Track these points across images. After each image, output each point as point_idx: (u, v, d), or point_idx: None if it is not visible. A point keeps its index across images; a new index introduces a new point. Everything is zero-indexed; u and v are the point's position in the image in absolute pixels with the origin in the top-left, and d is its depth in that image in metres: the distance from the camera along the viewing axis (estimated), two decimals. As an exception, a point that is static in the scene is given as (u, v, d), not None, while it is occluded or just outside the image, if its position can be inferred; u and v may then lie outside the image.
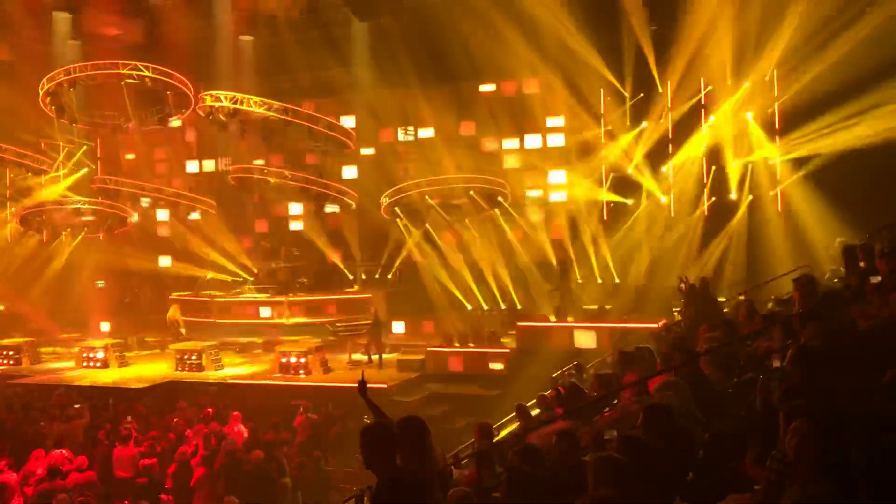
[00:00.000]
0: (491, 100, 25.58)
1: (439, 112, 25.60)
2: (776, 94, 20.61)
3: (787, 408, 4.08)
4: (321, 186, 24.34)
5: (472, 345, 18.85)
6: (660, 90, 22.01)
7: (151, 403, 16.51)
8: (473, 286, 22.72)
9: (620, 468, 4.21)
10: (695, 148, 21.75)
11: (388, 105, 25.64)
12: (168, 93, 22.75)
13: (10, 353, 21.85)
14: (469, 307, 22.71)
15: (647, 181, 22.27)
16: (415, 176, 24.82)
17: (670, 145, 22.27)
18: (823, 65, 17.89)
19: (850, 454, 3.55)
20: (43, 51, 25.51)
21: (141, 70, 21.86)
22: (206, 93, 22.36)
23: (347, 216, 26.30)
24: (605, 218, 23.11)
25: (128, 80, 22.08)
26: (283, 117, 22.33)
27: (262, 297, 24.74)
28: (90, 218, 26.04)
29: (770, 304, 11.27)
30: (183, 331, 23.46)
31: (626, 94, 22.46)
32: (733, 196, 21.29)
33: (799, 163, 19.92)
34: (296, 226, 28.43)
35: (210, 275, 27.43)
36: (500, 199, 23.48)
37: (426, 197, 23.88)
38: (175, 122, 25.88)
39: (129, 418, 14.08)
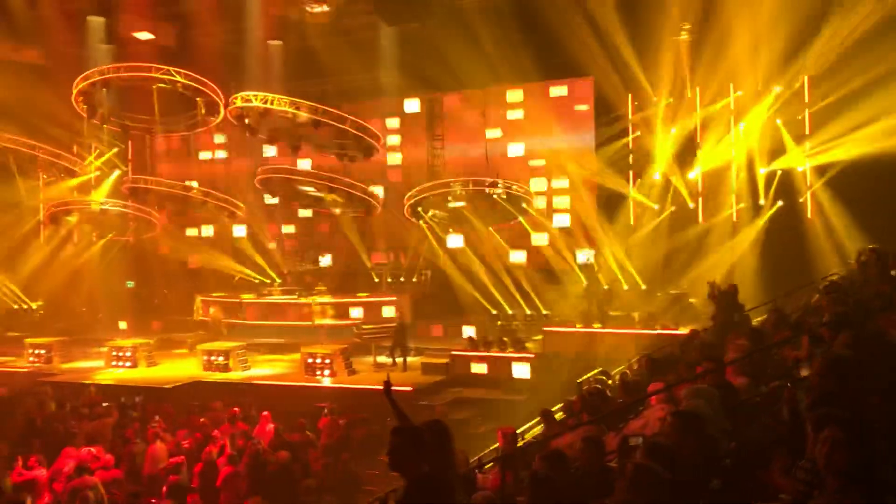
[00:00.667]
0: (519, 103, 25.59)
1: (464, 116, 25.81)
2: (807, 101, 20.43)
3: (816, 416, 4.04)
4: (347, 186, 24.40)
5: (496, 349, 18.84)
6: (689, 94, 21.90)
7: (179, 403, 16.68)
8: (495, 292, 22.69)
9: (649, 475, 4.20)
10: (724, 153, 21.58)
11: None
12: (199, 100, 22.97)
13: (41, 351, 22.16)
14: (494, 312, 22.70)
15: (677, 182, 22.14)
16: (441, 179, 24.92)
17: (698, 150, 22.13)
18: (854, 71, 17.74)
19: (878, 465, 3.51)
20: (77, 54, 25.92)
21: (173, 76, 22.11)
22: (236, 94, 22.54)
23: (374, 219, 26.39)
24: (631, 223, 22.98)
25: (159, 85, 22.32)
26: (312, 117, 22.29)
27: (289, 298, 24.92)
28: (117, 220, 26.43)
29: (799, 312, 11.16)
30: (224, 331, 23.70)
31: (655, 99, 22.37)
32: (762, 202, 21.11)
33: (828, 169, 19.72)
34: (323, 228, 28.62)
35: (238, 277, 27.82)
36: (524, 205, 23.46)
37: (448, 200, 23.94)
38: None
39: (156, 417, 14.27)
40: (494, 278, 22.91)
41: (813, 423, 3.98)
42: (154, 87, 22.41)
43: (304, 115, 22.24)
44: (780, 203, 20.87)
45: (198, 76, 22.60)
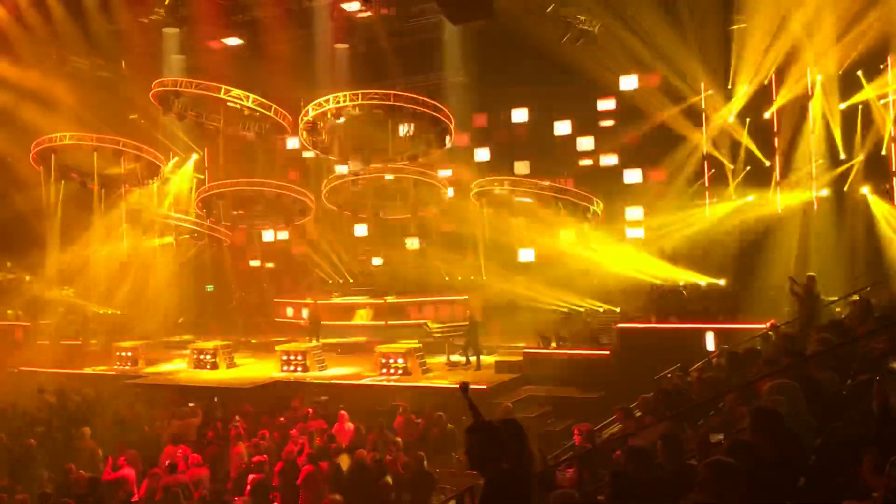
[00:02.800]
0: (587, 100, 25.32)
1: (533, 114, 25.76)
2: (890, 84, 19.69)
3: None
4: (417, 174, 24.49)
5: (570, 346, 18.68)
6: (765, 82, 21.39)
7: (259, 403, 17.06)
8: (569, 289, 22.48)
9: (732, 473, 4.12)
10: (805, 142, 20.98)
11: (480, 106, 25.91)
12: (266, 123, 23.46)
13: (127, 354, 22.99)
14: (566, 309, 22.47)
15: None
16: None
17: (776, 138, 21.56)
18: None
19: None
20: (152, 66, 26.82)
21: (242, 100, 22.57)
22: (307, 106, 22.80)
23: (442, 218, 26.44)
24: (707, 215, 22.54)
25: (229, 104, 22.86)
26: (386, 103, 22.19)
27: (361, 299, 25.23)
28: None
29: (885, 304, 10.76)
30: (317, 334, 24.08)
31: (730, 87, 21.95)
32: (846, 188, 20.46)
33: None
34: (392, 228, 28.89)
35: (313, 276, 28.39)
36: (588, 215, 23.22)
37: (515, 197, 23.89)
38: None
39: (237, 417, 14.65)
40: (568, 275, 22.66)
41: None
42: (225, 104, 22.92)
43: (378, 103, 22.21)
44: (866, 189, 20.13)
45: (265, 101, 22.88)
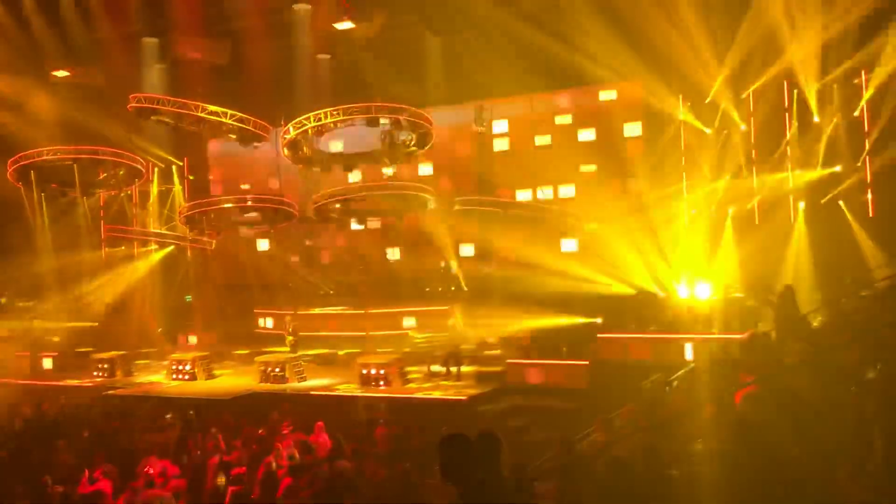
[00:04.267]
0: (567, 109, 25.47)
1: (515, 123, 25.83)
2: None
3: (885, 422, 3.95)
4: (399, 188, 24.47)
5: (551, 357, 18.70)
6: (742, 97, 21.57)
7: (237, 414, 16.92)
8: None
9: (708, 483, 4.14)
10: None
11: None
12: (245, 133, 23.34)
13: (105, 365, 22.79)
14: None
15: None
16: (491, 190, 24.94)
17: (753, 151, 21.77)
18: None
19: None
20: (132, 75, 26.71)
21: (219, 116, 22.45)
22: (288, 125, 22.68)
23: (425, 220, 26.35)
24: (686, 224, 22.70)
25: (207, 119, 22.71)
26: (367, 116, 22.24)
27: (342, 309, 25.14)
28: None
29: (860, 314, 10.85)
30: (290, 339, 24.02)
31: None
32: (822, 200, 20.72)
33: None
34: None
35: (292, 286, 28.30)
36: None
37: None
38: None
39: (213, 430, 14.50)
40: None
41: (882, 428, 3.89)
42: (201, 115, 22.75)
43: (359, 116, 22.26)
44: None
45: (243, 115, 22.85)
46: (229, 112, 22.75)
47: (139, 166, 26.37)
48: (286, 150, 23.72)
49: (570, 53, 21.03)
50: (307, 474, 11.33)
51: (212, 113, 22.52)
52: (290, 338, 23.85)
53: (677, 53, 20.24)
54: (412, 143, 23.47)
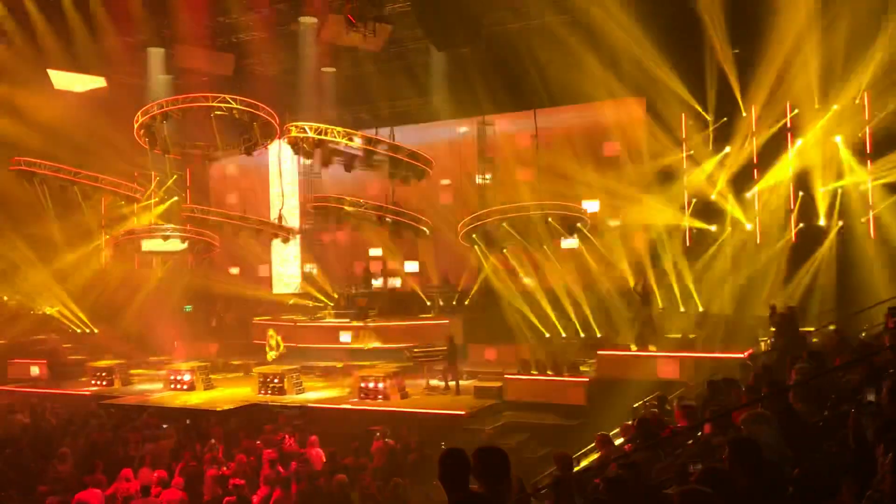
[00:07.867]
0: (568, 126, 25.44)
1: (515, 138, 25.85)
2: (867, 118, 19.91)
3: (886, 442, 3.91)
4: (395, 214, 24.48)
5: (550, 373, 18.63)
6: (744, 114, 21.46)
7: (235, 425, 16.87)
8: (551, 313, 22.43)
9: (701, 501, 4.09)
10: (781, 173, 21.04)
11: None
12: (255, 123, 23.40)
13: (103, 374, 22.71)
14: (547, 335, 22.45)
15: (731, 207, 21.64)
16: (492, 202, 24.89)
17: (755, 170, 21.69)
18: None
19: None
20: (138, 85, 26.79)
21: (229, 102, 22.58)
22: (291, 124, 22.85)
23: (424, 241, 26.38)
24: (687, 244, 22.58)
25: (217, 112, 22.79)
26: (366, 147, 22.49)
27: (341, 322, 25.09)
28: (180, 246, 26.98)
29: (863, 335, 10.84)
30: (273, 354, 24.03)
31: (709, 118, 21.96)
32: (822, 222, 20.56)
33: (893, 188, 19.19)
34: (374, 252, 28.81)
35: (292, 300, 28.24)
36: (579, 224, 23.22)
37: (503, 224, 23.78)
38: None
39: (212, 441, 14.45)
40: (548, 300, 22.63)
41: (882, 448, 3.85)
42: (211, 115, 22.82)
43: (357, 146, 22.38)
44: (840, 224, 20.33)
45: (252, 101, 22.99)
46: (238, 98, 22.72)
47: (137, 195, 26.60)
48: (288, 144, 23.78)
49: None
50: (300, 486, 11.30)
51: (221, 100, 22.47)
52: (273, 353, 24.02)
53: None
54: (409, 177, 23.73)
